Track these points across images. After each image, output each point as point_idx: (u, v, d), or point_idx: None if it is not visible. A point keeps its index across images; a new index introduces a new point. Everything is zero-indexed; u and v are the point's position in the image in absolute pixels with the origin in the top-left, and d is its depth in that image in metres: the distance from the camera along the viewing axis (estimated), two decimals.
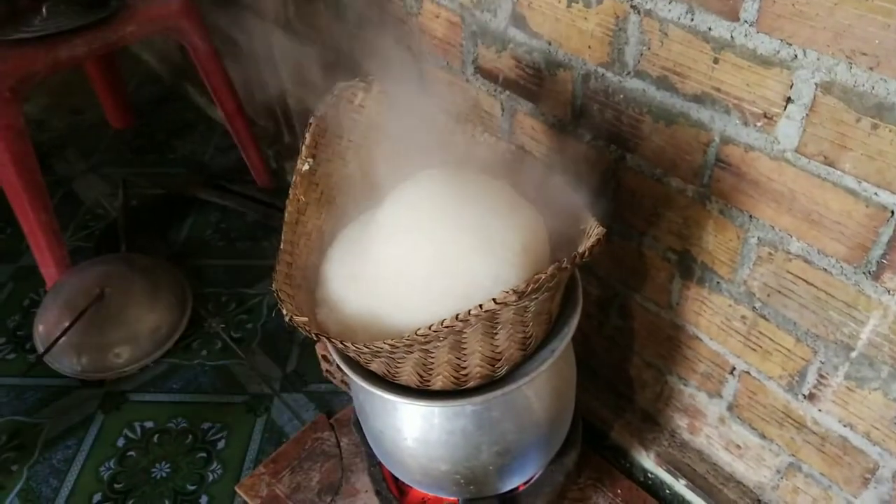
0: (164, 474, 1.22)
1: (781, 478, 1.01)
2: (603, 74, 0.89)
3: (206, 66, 1.54)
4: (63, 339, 1.35)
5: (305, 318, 0.65)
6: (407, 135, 0.77)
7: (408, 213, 0.68)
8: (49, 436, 1.29)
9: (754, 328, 0.92)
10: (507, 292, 0.57)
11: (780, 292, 0.86)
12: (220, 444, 1.26)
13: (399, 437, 0.79)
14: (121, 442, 1.28)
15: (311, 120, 0.75)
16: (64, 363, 1.38)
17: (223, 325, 1.47)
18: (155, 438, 1.28)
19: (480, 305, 0.58)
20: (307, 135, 0.75)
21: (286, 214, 0.73)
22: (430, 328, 0.59)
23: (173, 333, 1.44)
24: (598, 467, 1.16)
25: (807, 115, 0.72)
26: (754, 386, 0.97)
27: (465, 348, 0.66)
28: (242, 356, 1.41)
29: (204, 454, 1.25)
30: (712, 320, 0.97)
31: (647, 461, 1.16)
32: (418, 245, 0.66)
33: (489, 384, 0.72)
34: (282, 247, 0.72)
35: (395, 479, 1.02)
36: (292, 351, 1.41)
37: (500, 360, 0.69)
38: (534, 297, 0.60)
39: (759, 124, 0.77)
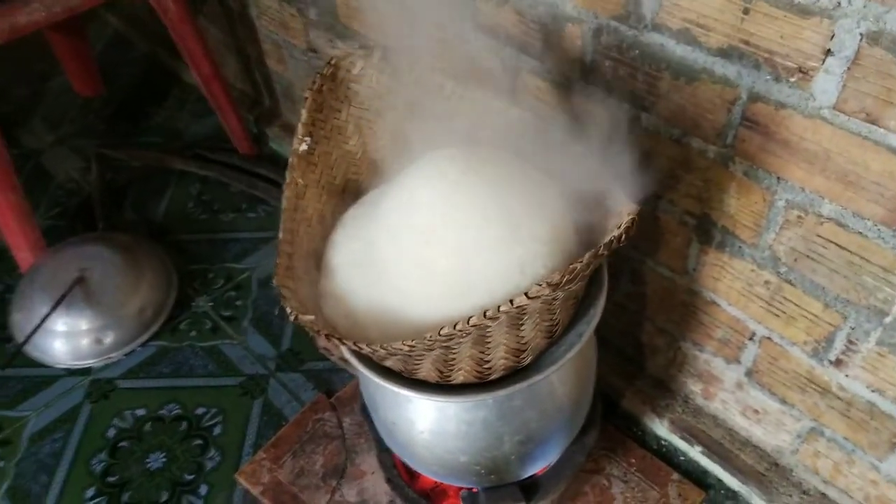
0: (159, 464, 1.17)
1: (802, 442, 0.99)
2: (616, 28, 0.82)
3: (177, 28, 1.44)
4: (43, 326, 1.28)
5: (312, 317, 0.59)
6: (411, 105, 0.70)
7: (423, 200, 0.61)
8: (35, 429, 1.23)
9: (778, 293, 0.88)
10: (541, 286, 0.51)
11: (808, 257, 0.81)
12: (217, 430, 1.21)
13: (414, 429, 0.74)
14: (111, 432, 1.22)
15: (306, 94, 0.68)
16: (45, 352, 1.31)
17: (212, 304, 1.40)
18: (147, 427, 1.22)
19: (511, 301, 0.52)
20: (303, 111, 0.68)
21: (283, 200, 0.66)
22: (455, 327, 0.53)
23: (159, 315, 1.37)
24: (610, 437, 1.13)
25: (848, 68, 0.66)
26: (776, 352, 0.93)
27: (489, 342, 0.61)
28: (234, 335, 1.35)
29: (200, 441, 1.20)
30: (732, 286, 0.93)
31: (661, 428, 1.13)
32: (436, 235, 0.60)
33: (513, 374, 0.66)
34: (280, 236, 0.65)
35: (405, 464, 0.98)
36: (286, 328, 1.35)
37: (525, 350, 0.64)
38: (567, 287, 0.54)
39: (792, 80, 0.71)
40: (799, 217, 0.79)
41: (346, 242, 0.68)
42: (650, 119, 0.87)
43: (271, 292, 1.41)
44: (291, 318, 0.61)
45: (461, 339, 0.58)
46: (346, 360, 0.68)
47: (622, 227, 0.56)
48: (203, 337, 1.35)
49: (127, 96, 1.95)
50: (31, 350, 1.31)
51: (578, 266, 0.52)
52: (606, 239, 0.54)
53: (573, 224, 0.65)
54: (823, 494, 1.00)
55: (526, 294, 0.52)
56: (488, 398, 0.65)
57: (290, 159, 0.68)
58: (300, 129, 0.68)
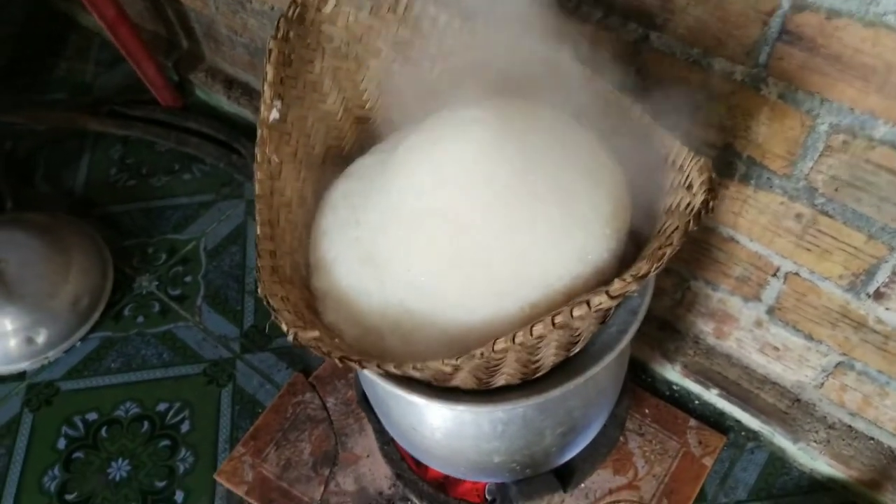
0: (123, 474, 1.04)
1: (827, 376, 0.93)
2: None
3: None
4: None
5: (316, 334, 0.46)
6: (399, 46, 0.55)
7: (450, 175, 0.48)
8: None
9: (812, 226, 0.79)
10: (626, 280, 0.40)
11: (853, 185, 0.72)
12: (185, 427, 1.08)
13: (437, 434, 0.63)
14: (62, 443, 1.07)
15: (269, 46, 0.52)
16: None
17: (157, 283, 1.24)
18: (103, 432, 1.08)
19: (588, 302, 0.40)
20: (268, 67, 0.52)
21: (256, 186, 0.52)
22: (531, 333, 0.41)
23: (98, 302, 1.20)
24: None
25: None
26: (804, 287, 0.85)
27: (540, 344, 0.49)
28: (188, 317, 1.20)
29: (167, 442, 1.06)
30: (756, 220, 0.83)
31: (672, 373, 1.06)
32: (473, 219, 0.47)
33: (561, 366, 0.56)
34: (259, 231, 0.51)
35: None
36: (246, 302, 1.21)
37: (577, 342, 0.53)
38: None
39: None
40: (845, 142, 0.69)
41: (341, 230, 0.55)
42: (662, 39, 0.75)
43: (224, 264, 1.25)
44: (289, 337, 0.48)
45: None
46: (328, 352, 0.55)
47: (703, 190, 0.44)
48: (152, 322, 1.19)
49: (16, 48, 1.68)
50: None
51: (668, 251, 0.41)
52: (692, 211, 0.43)
53: (629, 191, 0.53)
54: (850, 427, 0.96)
55: (608, 293, 0.40)
56: (539, 399, 0.54)
57: (260, 132, 0.53)
58: (266, 91, 0.52)
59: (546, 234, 0.47)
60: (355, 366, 0.46)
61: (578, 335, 0.52)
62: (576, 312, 0.41)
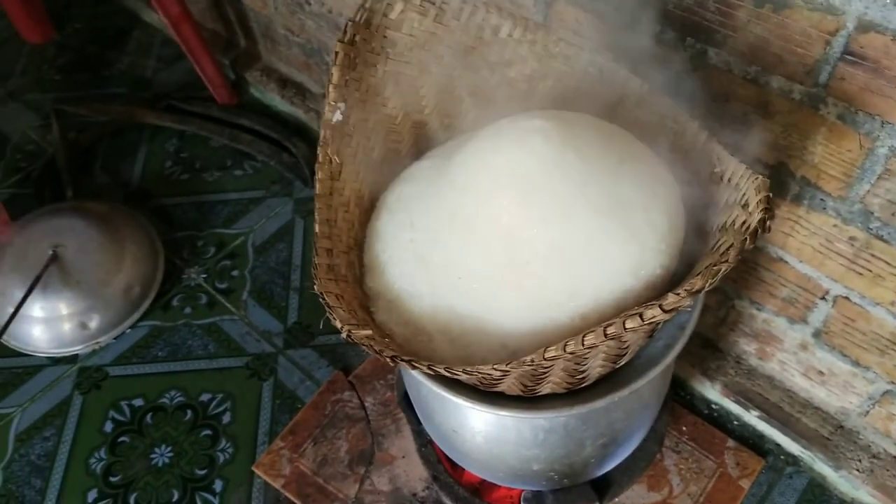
0: (166, 460, 1.07)
1: (873, 404, 0.91)
2: None
3: None
4: (19, 312, 1.14)
5: (369, 332, 0.47)
6: (461, 53, 0.56)
7: (508, 185, 0.49)
8: (21, 427, 1.11)
9: (865, 250, 0.78)
10: (680, 294, 0.40)
11: None
12: (226, 418, 1.10)
13: (478, 438, 0.64)
14: (108, 426, 1.10)
15: (336, 48, 0.54)
16: (25, 340, 1.18)
17: (205, 275, 1.27)
18: (148, 418, 1.11)
19: (641, 315, 0.41)
20: (333, 70, 0.54)
21: (317, 185, 0.53)
22: (583, 342, 0.42)
23: (148, 291, 1.24)
24: None
25: None
26: (854, 312, 0.84)
27: (588, 355, 0.50)
28: (234, 310, 1.22)
29: (209, 431, 1.09)
30: (807, 242, 0.82)
31: (711, 392, 1.05)
32: (529, 231, 0.48)
33: (606, 380, 0.56)
34: (317, 229, 0.52)
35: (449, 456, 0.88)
36: (291, 299, 1.23)
37: (624, 354, 0.53)
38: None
39: None
40: None
41: (396, 232, 0.56)
42: (721, 56, 0.75)
43: (270, 260, 1.28)
44: (343, 334, 0.49)
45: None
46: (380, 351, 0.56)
47: (760, 209, 0.44)
48: (199, 313, 1.22)
49: (82, 42, 1.74)
50: (9, 340, 1.18)
51: (723, 268, 0.41)
52: (749, 228, 0.43)
53: (684, 208, 0.53)
54: None
55: (661, 307, 0.40)
56: (583, 409, 0.54)
57: (323, 132, 0.54)
58: (332, 92, 0.54)
59: (601, 247, 0.48)
60: (406, 366, 0.47)
61: (627, 347, 0.53)
62: (628, 324, 0.41)
